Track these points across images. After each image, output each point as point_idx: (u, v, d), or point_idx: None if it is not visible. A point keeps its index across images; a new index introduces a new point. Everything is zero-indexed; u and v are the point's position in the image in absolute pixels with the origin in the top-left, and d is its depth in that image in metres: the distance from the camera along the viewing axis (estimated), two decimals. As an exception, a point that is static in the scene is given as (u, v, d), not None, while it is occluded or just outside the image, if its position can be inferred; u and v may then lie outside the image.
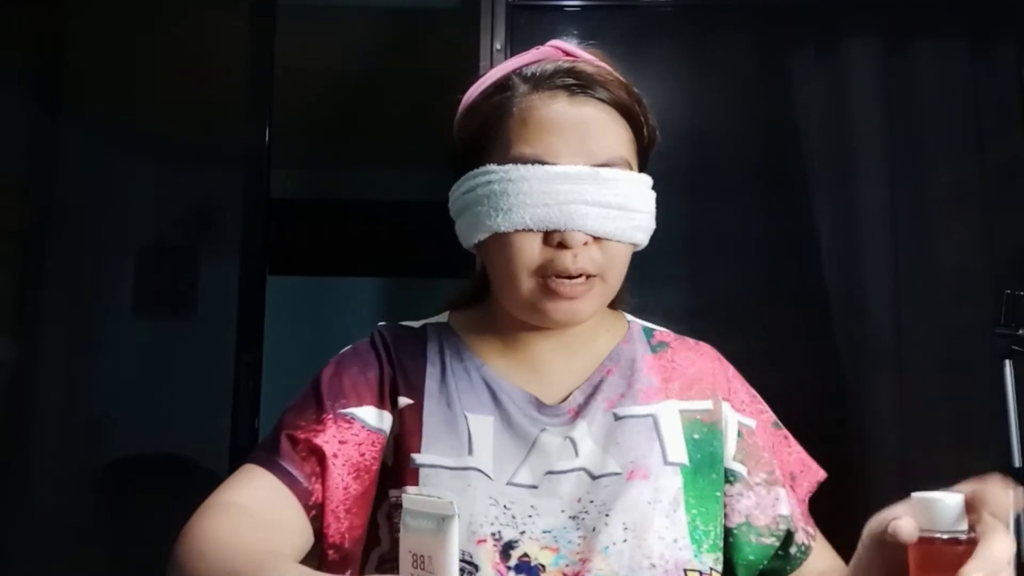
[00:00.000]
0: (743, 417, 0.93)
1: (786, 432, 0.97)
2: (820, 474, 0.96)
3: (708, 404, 0.92)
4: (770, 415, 0.97)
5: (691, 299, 2.05)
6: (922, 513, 0.64)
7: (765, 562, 0.91)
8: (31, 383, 2.33)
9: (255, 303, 2.33)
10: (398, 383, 0.90)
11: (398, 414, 0.88)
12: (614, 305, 0.98)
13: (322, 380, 0.90)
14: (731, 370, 0.97)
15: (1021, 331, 1.66)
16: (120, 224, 2.40)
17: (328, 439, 0.85)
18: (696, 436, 0.89)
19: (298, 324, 3.29)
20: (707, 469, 0.89)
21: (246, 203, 2.36)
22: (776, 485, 0.91)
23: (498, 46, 2.00)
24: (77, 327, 2.39)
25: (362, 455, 0.86)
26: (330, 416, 0.86)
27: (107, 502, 2.31)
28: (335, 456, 0.84)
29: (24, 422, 2.32)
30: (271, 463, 0.84)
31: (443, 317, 0.99)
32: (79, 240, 2.38)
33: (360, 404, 0.88)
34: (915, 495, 0.65)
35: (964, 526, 0.63)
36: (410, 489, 0.84)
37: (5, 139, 2.34)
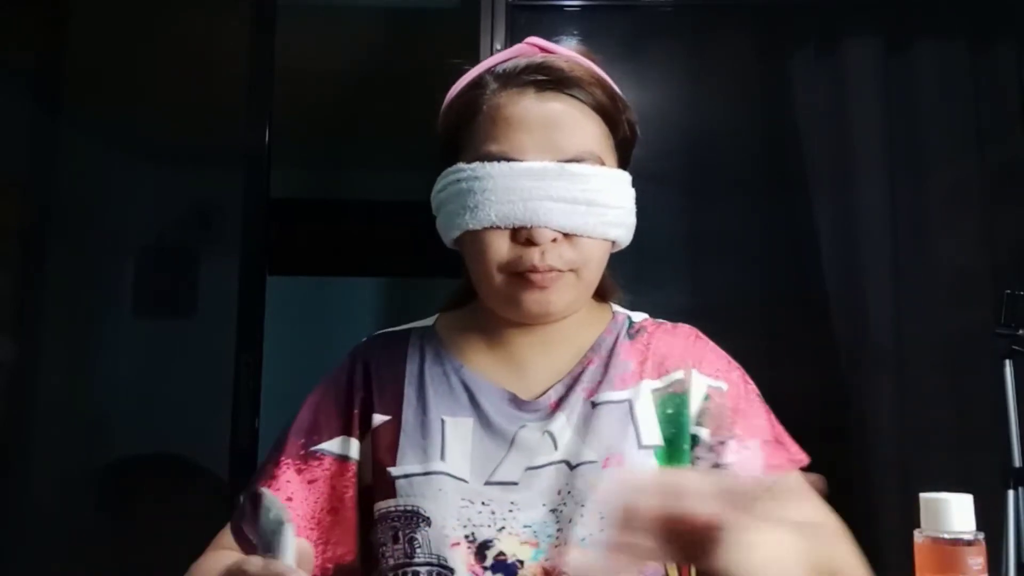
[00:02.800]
0: (712, 380, 0.91)
1: (770, 411, 0.92)
2: (801, 456, 0.90)
3: (680, 375, 0.90)
4: (753, 388, 0.93)
5: (691, 299, 2.05)
6: (928, 513, 0.64)
7: None
8: (31, 383, 2.33)
9: (255, 303, 2.33)
10: (373, 403, 0.90)
11: (371, 434, 0.89)
12: (604, 298, 0.97)
13: (299, 416, 0.92)
14: (709, 344, 0.95)
15: (1021, 331, 1.66)
16: (120, 224, 2.40)
17: (281, 486, 0.87)
18: (669, 411, 0.89)
19: (298, 324, 3.28)
20: (680, 442, 0.88)
21: (246, 203, 2.36)
22: (733, 440, 0.87)
23: (498, 46, 2.00)
24: (77, 327, 2.39)
25: (333, 488, 0.89)
26: (288, 461, 0.89)
27: (107, 502, 2.31)
28: (290, 500, 0.87)
29: (24, 422, 2.32)
30: (236, 525, 0.89)
31: (430, 320, 0.99)
32: (79, 240, 2.38)
33: (331, 436, 0.90)
34: (922, 496, 0.65)
35: (971, 526, 0.63)
36: (382, 503, 0.86)
37: (5, 139, 2.34)
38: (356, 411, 0.91)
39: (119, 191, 2.40)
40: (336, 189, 3.82)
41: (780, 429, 0.92)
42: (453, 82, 0.93)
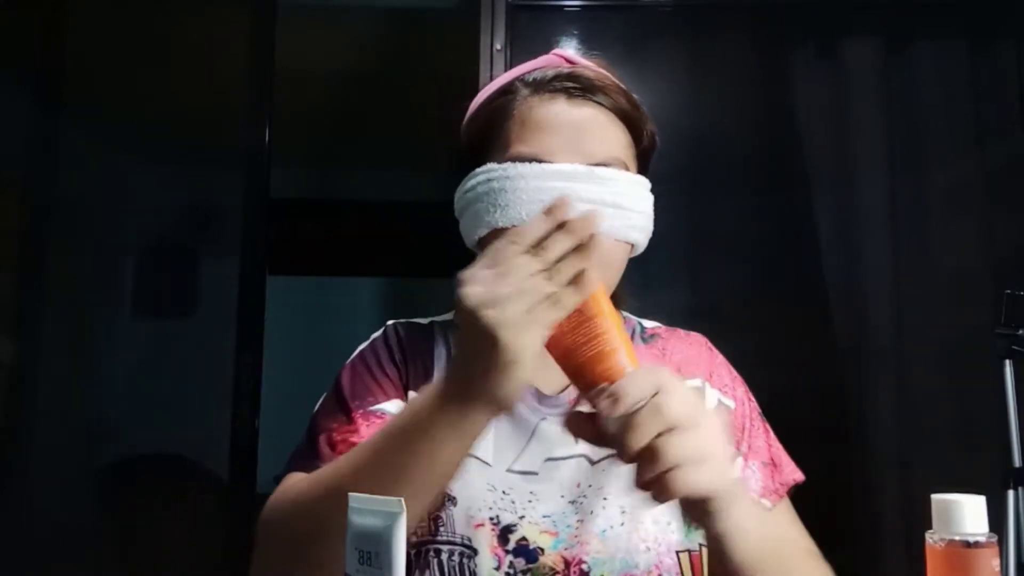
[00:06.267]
0: (723, 397, 0.94)
1: (768, 427, 0.96)
2: (797, 475, 0.94)
3: (698, 383, 0.94)
4: (754, 405, 0.97)
5: (691, 299, 2.05)
6: (941, 515, 0.64)
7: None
8: (31, 383, 2.33)
9: (255, 303, 2.33)
10: (409, 376, 0.92)
11: None
12: (614, 306, 0.99)
13: (343, 383, 0.91)
14: (719, 357, 0.99)
15: (1021, 331, 1.66)
16: (120, 224, 2.40)
17: (364, 437, 0.86)
18: None
19: (298, 324, 3.28)
20: None
21: (246, 203, 2.36)
22: (739, 457, 0.90)
23: (498, 46, 2.00)
24: (77, 327, 2.39)
25: None
26: (359, 414, 0.88)
27: (107, 502, 2.31)
28: None
29: (24, 422, 2.31)
30: (311, 467, 0.85)
31: (450, 315, 1.00)
32: (79, 240, 2.38)
33: (388, 399, 0.90)
34: (935, 497, 0.65)
35: (985, 528, 0.63)
36: None
37: (5, 139, 2.34)
38: (404, 381, 0.91)
39: (119, 191, 2.40)
40: (336, 189, 3.83)
41: (777, 448, 0.95)
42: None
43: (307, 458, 0.87)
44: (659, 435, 0.64)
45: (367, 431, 0.86)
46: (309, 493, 0.77)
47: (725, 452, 0.69)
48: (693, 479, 0.65)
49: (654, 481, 0.65)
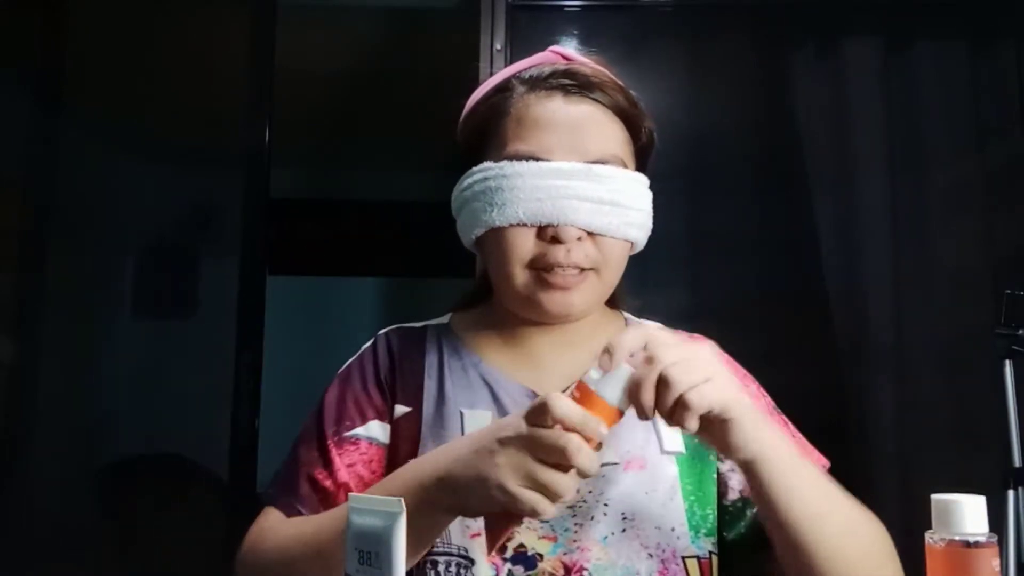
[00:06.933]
0: None
1: (786, 419, 0.95)
2: (823, 460, 0.93)
3: None
4: (769, 400, 0.96)
5: (691, 299, 2.05)
6: (941, 515, 0.64)
7: (757, 537, 0.88)
8: (31, 383, 2.33)
9: (255, 303, 2.33)
10: (397, 391, 0.91)
11: (394, 424, 0.90)
12: (613, 306, 0.99)
13: (325, 404, 0.92)
14: (725, 356, 0.95)
15: (1021, 331, 1.66)
16: (120, 224, 2.40)
17: (339, 468, 0.87)
18: None
19: (298, 324, 3.28)
20: (703, 453, 0.89)
21: (246, 203, 2.36)
22: None
23: (498, 46, 2.00)
24: (77, 327, 2.39)
25: (373, 472, 0.89)
26: (333, 442, 0.89)
27: (107, 502, 2.31)
28: (345, 484, 0.87)
29: (24, 422, 2.31)
30: (290, 507, 0.87)
31: (445, 319, 1.00)
32: (79, 240, 2.38)
33: (364, 422, 0.90)
34: (934, 497, 0.65)
35: (985, 528, 0.63)
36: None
37: (5, 139, 2.34)
38: (388, 396, 0.91)
39: (119, 191, 2.40)
40: (336, 189, 3.82)
41: (800, 438, 0.94)
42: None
43: (287, 494, 0.88)
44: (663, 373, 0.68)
45: (341, 461, 0.87)
46: (289, 556, 0.81)
47: (726, 373, 0.72)
48: (706, 394, 0.68)
49: (672, 409, 0.68)
